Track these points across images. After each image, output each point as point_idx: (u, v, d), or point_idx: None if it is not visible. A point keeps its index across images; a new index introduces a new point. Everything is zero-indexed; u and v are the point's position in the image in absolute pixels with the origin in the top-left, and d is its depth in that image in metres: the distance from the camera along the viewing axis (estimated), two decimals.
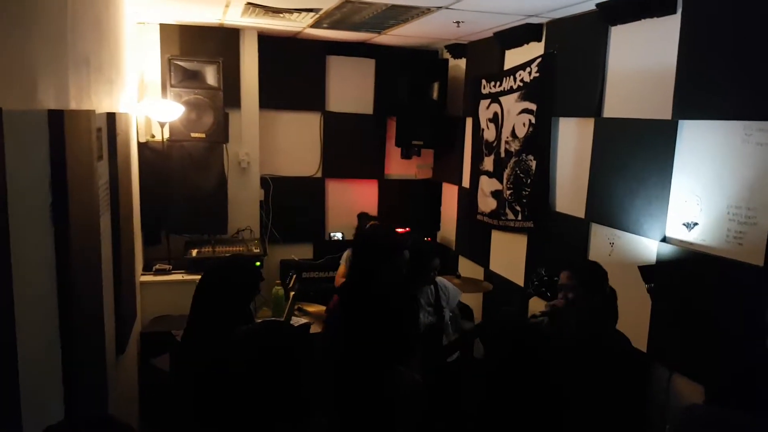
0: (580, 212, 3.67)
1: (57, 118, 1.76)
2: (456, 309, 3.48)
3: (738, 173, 2.62)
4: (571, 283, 2.67)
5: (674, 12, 2.96)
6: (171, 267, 4.34)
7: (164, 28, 4.70)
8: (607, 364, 2.50)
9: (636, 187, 3.18)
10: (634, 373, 2.90)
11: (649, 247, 3.09)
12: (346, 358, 2.62)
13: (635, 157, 3.19)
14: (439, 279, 3.47)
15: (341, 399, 2.68)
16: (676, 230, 2.94)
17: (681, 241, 2.91)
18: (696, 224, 2.83)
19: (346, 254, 4.43)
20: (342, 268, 4.44)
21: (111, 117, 2.89)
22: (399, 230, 5.33)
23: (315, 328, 3.77)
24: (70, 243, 1.81)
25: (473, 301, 4.80)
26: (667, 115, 2.97)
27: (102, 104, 2.76)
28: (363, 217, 4.95)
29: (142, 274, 4.27)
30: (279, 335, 1.53)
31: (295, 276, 4.42)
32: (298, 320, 3.92)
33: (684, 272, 2.86)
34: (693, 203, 2.84)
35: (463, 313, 4.01)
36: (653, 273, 3.05)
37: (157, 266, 4.33)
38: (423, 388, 2.98)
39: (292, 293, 3.98)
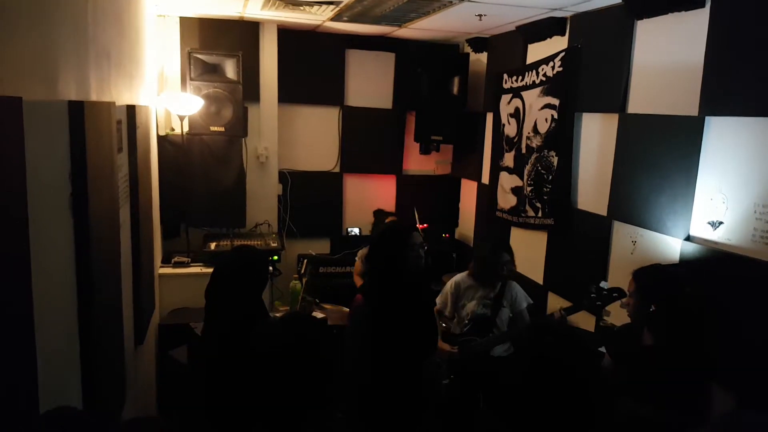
0: (602, 210, 3.61)
1: (77, 109, 1.77)
2: (524, 312, 3.50)
3: (765, 171, 2.55)
4: (632, 291, 2.55)
5: (702, 6, 2.88)
6: (190, 260, 4.37)
7: (184, 21, 4.72)
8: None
9: (660, 185, 3.12)
10: None
11: (672, 245, 3.03)
12: (382, 350, 2.63)
13: (660, 154, 3.13)
14: (512, 282, 3.54)
15: (375, 392, 2.68)
16: (700, 229, 2.87)
17: (705, 240, 2.84)
18: (721, 223, 2.76)
19: (362, 252, 4.42)
20: (358, 265, 4.42)
21: (131, 109, 2.91)
22: (418, 226, 5.32)
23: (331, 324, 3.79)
24: (89, 234, 1.82)
25: None
26: (693, 111, 2.90)
27: (122, 97, 2.77)
28: (379, 213, 4.92)
29: (161, 267, 4.30)
30: (305, 327, 1.51)
31: (306, 261, 4.39)
32: (317, 315, 3.92)
33: (708, 272, 2.79)
34: (718, 201, 2.77)
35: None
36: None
37: (176, 259, 4.36)
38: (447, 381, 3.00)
39: (305, 279, 3.97)
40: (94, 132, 1.94)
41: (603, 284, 2.77)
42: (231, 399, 2.20)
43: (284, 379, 1.36)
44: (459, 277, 3.56)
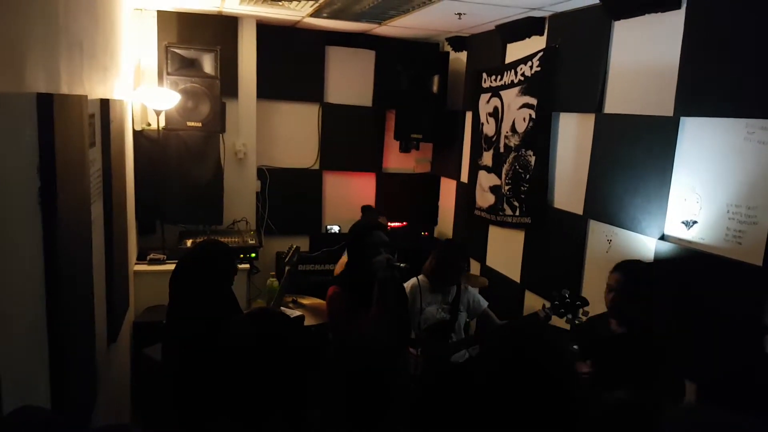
0: (578, 209, 3.64)
1: (46, 102, 1.73)
2: (490, 313, 3.49)
3: (739, 172, 2.59)
4: (615, 285, 2.64)
5: (678, 7, 2.92)
6: (165, 257, 4.31)
7: (162, 15, 4.65)
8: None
9: (635, 184, 3.15)
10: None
11: (647, 244, 3.07)
12: (362, 343, 2.63)
13: (635, 154, 3.16)
14: (469, 286, 3.52)
15: (351, 385, 2.69)
16: (674, 228, 2.91)
17: (679, 239, 2.88)
18: (695, 222, 2.80)
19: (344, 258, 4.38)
20: (341, 263, 4.40)
21: (105, 103, 2.85)
22: (395, 224, 5.32)
23: (309, 321, 3.76)
24: (58, 229, 1.78)
25: None
26: (668, 111, 2.94)
27: (95, 90, 2.72)
28: (367, 210, 4.88)
29: (136, 264, 4.24)
30: (272, 323, 1.49)
31: (296, 247, 4.31)
32: (292, 312, 3.89)
33: (682, 271, 2.84)
34: (693, 201, 2.81)
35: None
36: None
37: (152, 256, 4.30)
38: (415, 377, 3.00)
39: (287, 268, 3.90)
40: (64, 126, 1.90)
41: (564, 292, 2.81)
42: (196, 394, 2.18)
43: (249, 374, 1.34)
44: (416, 280, 3.40)
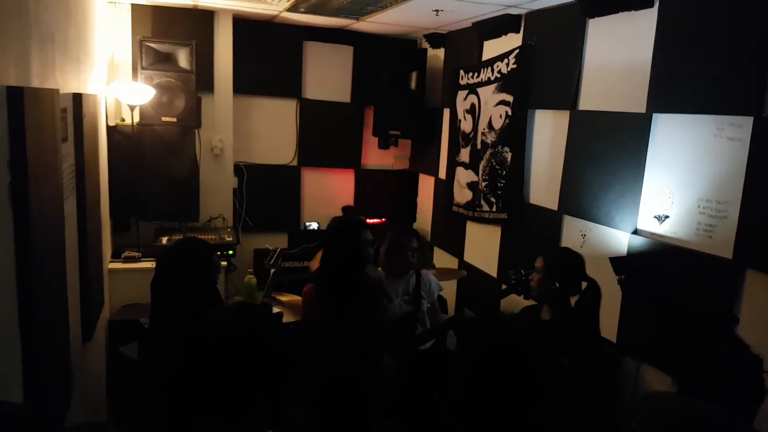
0: (553, 204, 3.69)
1: (16, 96, 1.69)
2: (435, 301, 3.46)
3: (709, 167, 2.65)
4: (539, 268, 2.76)
5: (651, 6, 2.98)
6: (140, 254, 4.25)
7: (136, 8, 4.58)
8: (576, 356, 2.53)
9: (609, 180, 3.21)
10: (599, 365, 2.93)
11: (620, 239, 3.12)
12: (338, 343, 2.63)
13: (609, 150, 3.21)
14: (423, 271, 3.45)
15: (326, 386, 2.68)
16: (647, 223, 2.97)
17: (652, 234, 2.94)
18: (667, 217, 2.86)
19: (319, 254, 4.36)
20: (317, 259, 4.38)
21: (77, 98, 2.80)
22: (374, 221, 5.32)
23: (287, 318, 3.75)
24: (30, 224, 1.75)
25: (448, 289, 4.79)
26: (641, 108, 2.99)
27: (68, 84, 2.67)
28: (348, 210, 4.87)
29: (111, 261, 4.17)
30: (252, 318, 1.47)
31: (279, 249, 4.29)
32: (272, 309, 3.87)
33: (654, 264, 2.90)
34: (665, 196, 2.87)
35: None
36: (624, 265, 3.07)
37: (126, 253, 4.23)
38: (394, 373, 3.00)
39: (273, 270, 3.88)
40: (36, 119, 1.86)
41: (511, 273, 3.01)
42: (179, 390, 2.15)
43: (229, 365, 1.34)
44: (375, 274, 3.26)
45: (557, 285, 2.68)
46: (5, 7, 1.70)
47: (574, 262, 2.75)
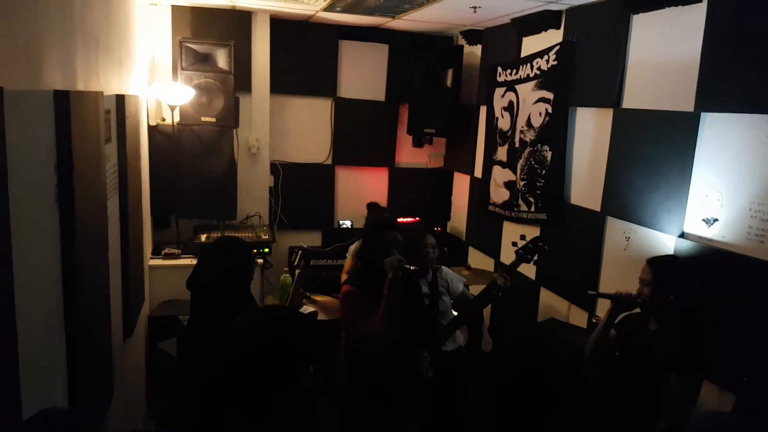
0: (595, 205, 3.60)
1: (63, 99, 1.72)
2: (463, 291, 3.37)
3: (761, 169, 2.54)
4: (647, 281, 2.53)
5: (700, 1, 2.86)
6: (180, 251, 4.32)
7: (176, 9, 4.64)
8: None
9: (655, 181, 3.10)
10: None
11: (666, 242, 3.02)
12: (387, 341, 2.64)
13: (655, 150, 3.11)
14: (443, 267, 3.39)
15: (374, 381, 2.70)
16: (695, 226, 2.86)
17: (700, 237, 2.83)
18: (716, 220, 2.75)
19: (353, 247, 4.33)
20: (348, 262, 4.36)
21: (120, 99, 2.85)
22: (407, 219, 5.28)
23: (321, 317, 3.76)
24: (75, 226, 1.78)
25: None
26: (689, 107, 2.89)
27: (111, 86, 2.72)
28: (373, 207, 4.86)
29: (151, 258, 4.25)
30: (278, 325, 1.45)
31: (300, 252, 4.32)
32: (306, 309, 3.89)
33: (703, 269, 2.78)
34: (713, 199, 2.76)
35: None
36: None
37: (166, 250, 4.31)
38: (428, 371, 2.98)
39: (297, 271, 3.89)
40: (81, 122, 1.89)
41: (521, 242, 3.10)
42: (212, 389, 2.17)
43: (261, 370, 1.35)
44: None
45: (671, 298, 2.47)
46: (52, 13, 1.73)
47: (687, 273, 2.55)
